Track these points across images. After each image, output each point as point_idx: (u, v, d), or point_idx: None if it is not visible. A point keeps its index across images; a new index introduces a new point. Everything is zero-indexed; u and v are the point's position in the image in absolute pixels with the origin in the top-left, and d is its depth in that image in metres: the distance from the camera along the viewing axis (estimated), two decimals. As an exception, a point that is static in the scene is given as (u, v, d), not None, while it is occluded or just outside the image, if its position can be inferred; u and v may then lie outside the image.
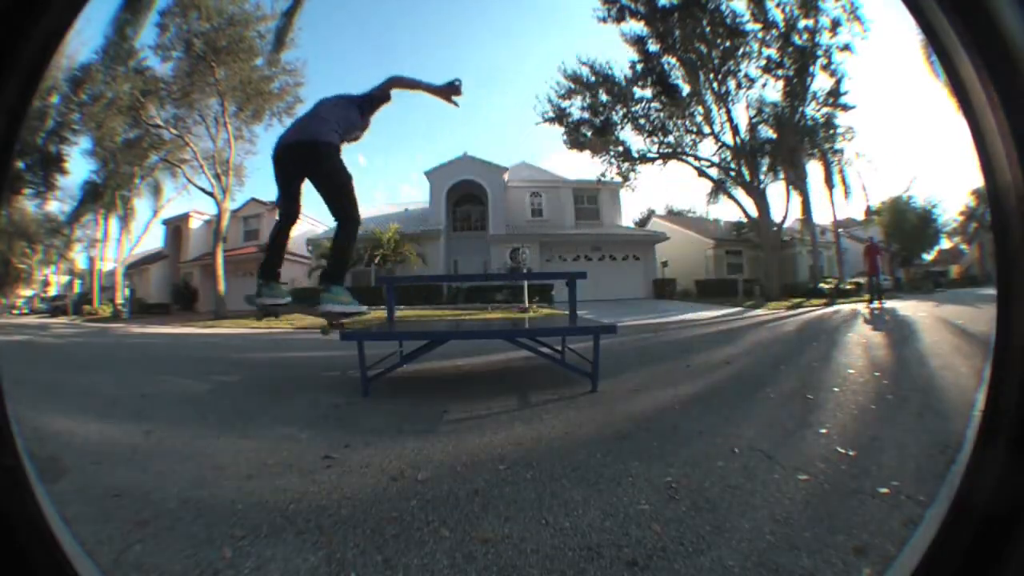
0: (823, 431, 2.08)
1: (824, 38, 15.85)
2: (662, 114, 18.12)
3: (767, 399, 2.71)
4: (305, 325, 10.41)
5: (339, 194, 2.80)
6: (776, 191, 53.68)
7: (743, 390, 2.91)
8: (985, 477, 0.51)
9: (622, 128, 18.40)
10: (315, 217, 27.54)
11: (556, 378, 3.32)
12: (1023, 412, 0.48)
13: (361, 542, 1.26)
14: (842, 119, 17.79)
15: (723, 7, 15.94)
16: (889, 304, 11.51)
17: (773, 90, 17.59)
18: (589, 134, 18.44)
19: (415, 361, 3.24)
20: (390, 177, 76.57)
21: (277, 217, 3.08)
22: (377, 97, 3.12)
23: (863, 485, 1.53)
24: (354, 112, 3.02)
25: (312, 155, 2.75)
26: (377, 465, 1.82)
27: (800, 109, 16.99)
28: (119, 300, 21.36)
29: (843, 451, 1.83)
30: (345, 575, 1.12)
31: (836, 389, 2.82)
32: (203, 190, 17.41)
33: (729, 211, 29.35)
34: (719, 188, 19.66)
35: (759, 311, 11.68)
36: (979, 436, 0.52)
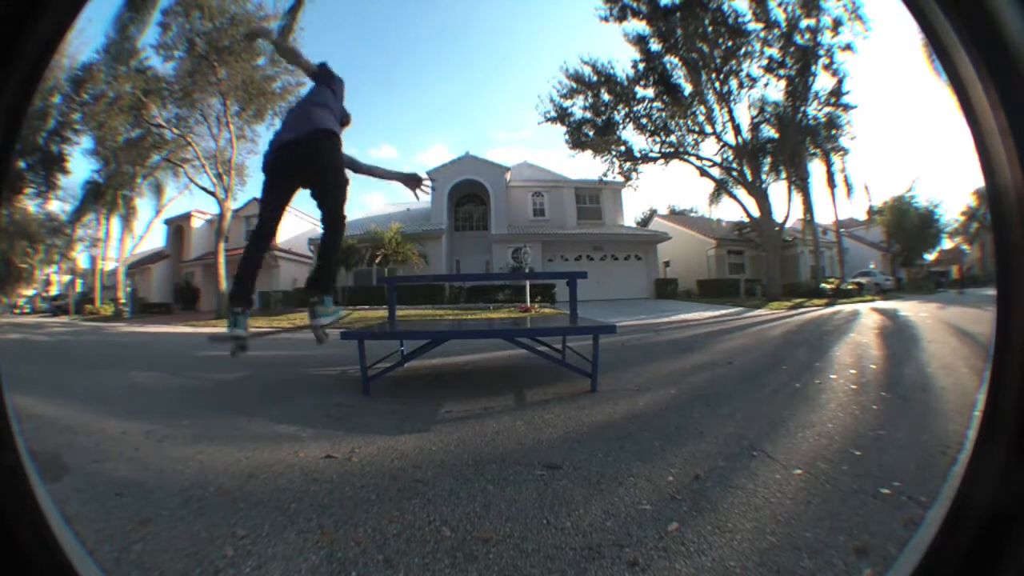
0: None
1: (826, 37, 15.85)
2: (664, 114, 18.08)
3: (769, 399, 2.70)
4: (307, 324, 10.41)
5: (341, 191, 2.48)
6: (778, 191, 53.73)
7: (744, 390, 2.91)
8: (985, 477, 0.51)
9: (624, 128, 18.39)
10: (316, 217, 27.56)
11: (557, 377, 3.32)
12: (1023, 412, 0.48)
13: (362, 541, 1.26)
14: (844, 118, 17.80)
15: (725, 7, 15.92)
16: (891, 304, 11.47)
17: (775, 90, 17.56)
18: (591, 134, 18.40)
19: (417, 359, 3.24)
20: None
21: (253, 234, 2.50)
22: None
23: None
24: (338, 105, 2.63)
25: (326, 146, 2.40)
26: (378, 464, 1.83)
27: (802, 109, 16.97)
28: (121, 299, 21.39)
29: None
30: (346, 574, 1.12)
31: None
32: (205, 190, 17.42)
33: (731, 211, 29.34)
34: (721, 188, 19.61)
35: (761, 311, 11.67)
36: (979, 436, 0.52)
